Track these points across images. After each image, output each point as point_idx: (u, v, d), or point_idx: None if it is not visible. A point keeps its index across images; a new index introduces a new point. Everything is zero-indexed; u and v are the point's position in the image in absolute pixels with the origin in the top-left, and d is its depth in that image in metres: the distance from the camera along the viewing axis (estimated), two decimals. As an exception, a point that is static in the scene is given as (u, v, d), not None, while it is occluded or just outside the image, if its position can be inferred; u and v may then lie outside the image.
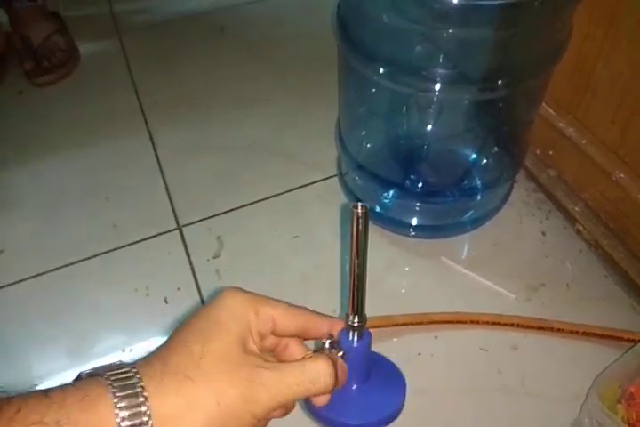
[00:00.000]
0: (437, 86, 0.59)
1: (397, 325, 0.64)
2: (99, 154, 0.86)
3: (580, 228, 0.73)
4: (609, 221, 0.70)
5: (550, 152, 0.76)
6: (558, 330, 0.63)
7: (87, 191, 0.81)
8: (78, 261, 0.73)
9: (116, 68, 1.01)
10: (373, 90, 0.69)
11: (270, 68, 0.98)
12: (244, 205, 0.78)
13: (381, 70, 0.59)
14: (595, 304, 0.67)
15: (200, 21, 1.10)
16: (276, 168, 0.83)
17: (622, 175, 0.66)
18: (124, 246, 0.74)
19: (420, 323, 0.64)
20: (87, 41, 1.06)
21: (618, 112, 0.65)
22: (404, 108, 0.74)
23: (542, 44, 0.60)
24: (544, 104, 0.74)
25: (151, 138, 0.88)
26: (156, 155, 0.85)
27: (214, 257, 0.72)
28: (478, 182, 0.76)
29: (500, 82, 0.59)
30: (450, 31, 0.55)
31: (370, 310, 0.71)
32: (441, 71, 0.58)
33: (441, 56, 0.59)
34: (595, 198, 0.72)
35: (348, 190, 0.78)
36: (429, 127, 0.77)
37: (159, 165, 0.84)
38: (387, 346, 0.62)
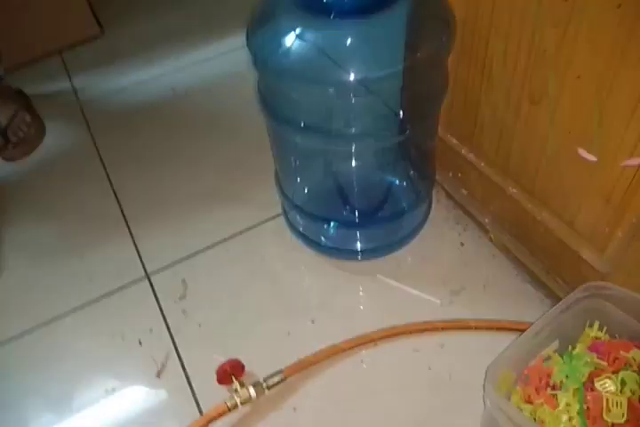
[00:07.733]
0: (351, 143, 0.71)
1: (344, 350, 0.74)
2: (70, 219, 0.98)
3: (492, 236, 0.85)
4: (512, 229, 0.82)
5: (459, 174, 0.89)
6: (476, 328, 0.74)
7: (64, 253, 0.92)
8: (60, 316, 0.83)
9: (80, 134, 1.12)
10: (297, 146, 0.80)
11: (221, 133, 1.09)
12: (204, 248, 0.89)
13: (299, 135, 0.70)
14: (508, 300, 0.79)
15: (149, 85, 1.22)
16: (227, 213, 0.94)
17: (514, 190, 0.78)
18: (101, 297, 0.84)
19: (363, 344, 0.74)
20: (51, 117, 1.17)
21: (499, 141, 0.77)
22: (328, 156, 0.86)
23: (430, 92, 0.73)
24: (449, 135, 0.86)
25: (114, 192, 0.99)
26: (122, 211, 0.96)
27: (180, 298, 0.83)
28: (403, 204, 0.88)
29: (404, 128, 0.70)
30: (352, 100, 0.65)
31: (320, 333, 0.82)
32: (352, 130, 0.69)
33: (350, 119, 0.70)
34: (498, 211, 0.84)
35: (292, 227, 0.90)
36: (353, 165, 0.89)
37: (125, 219, 0.95)
38: (332, 359, 0.73)
